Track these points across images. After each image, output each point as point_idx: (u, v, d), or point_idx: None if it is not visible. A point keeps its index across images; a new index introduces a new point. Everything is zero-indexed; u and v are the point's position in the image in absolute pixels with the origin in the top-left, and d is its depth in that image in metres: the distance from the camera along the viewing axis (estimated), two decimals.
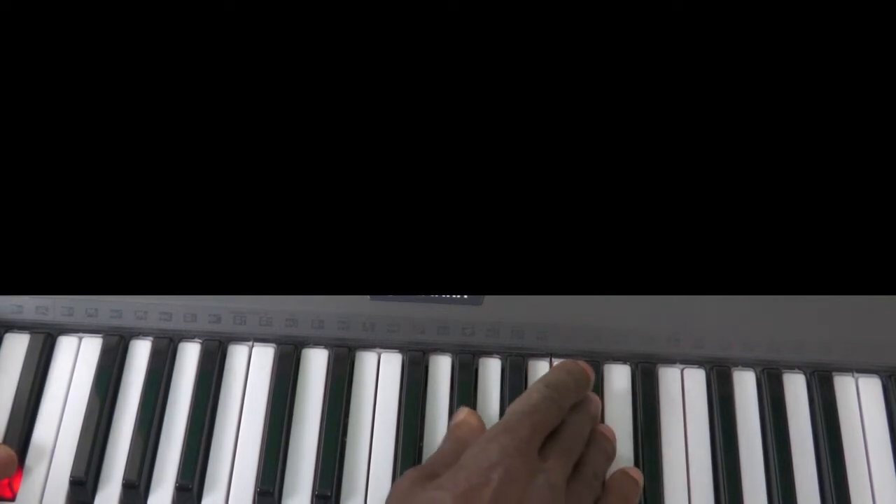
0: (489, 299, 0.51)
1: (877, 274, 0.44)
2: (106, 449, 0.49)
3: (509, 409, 0.45)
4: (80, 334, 0.52)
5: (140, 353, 0.52)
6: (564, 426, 0.46)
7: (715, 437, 0.49)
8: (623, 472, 0.47)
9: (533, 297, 0.51)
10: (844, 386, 0.51)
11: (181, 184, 0.44)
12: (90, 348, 0.52)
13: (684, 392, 0.51)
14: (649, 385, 0.51)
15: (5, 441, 0.48)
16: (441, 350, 0.52)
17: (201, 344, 0.52)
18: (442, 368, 0.51)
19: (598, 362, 0.51)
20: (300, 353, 0.52)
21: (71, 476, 0.47)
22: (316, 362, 0.51)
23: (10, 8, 0.43)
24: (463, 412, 0.48)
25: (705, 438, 0.50)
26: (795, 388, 0.51)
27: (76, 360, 0.51)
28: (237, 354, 0.52)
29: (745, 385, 0.51)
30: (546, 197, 0.44)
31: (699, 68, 0.44)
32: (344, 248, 0.44)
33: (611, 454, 0.47)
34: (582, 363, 0.49)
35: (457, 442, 0.46)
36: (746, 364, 0.52)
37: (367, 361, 0.52)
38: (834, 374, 0.51)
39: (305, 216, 0.44)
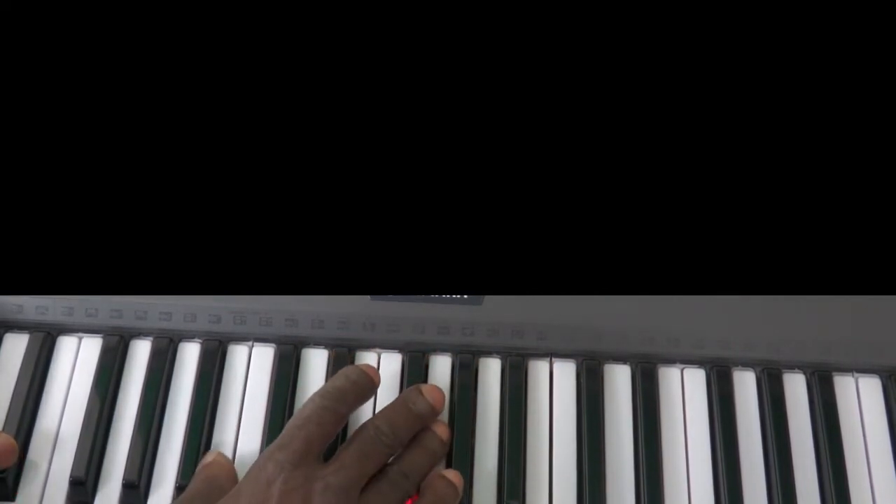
0: (489, 299, 0.51)
1: (877, 274, 0.44)
2: (106, 449, 0.49)
3: (286, 426, 0.45)
4: (80, 334, 0.52)
5: (140, 353, 0.52)
6: (358, 431, 0.45)
7: (715, 437, 0.49)
8: (440, 476, 0.46)
9: (533, 297, 0.51)
10: (844, 386, 0.51)
11: (181, 184, 0.44)
12: (90, 348, 0.52)
13: (684, 392, 0.51)
14: (649, 385, 0.51)
15: (3, 431, 0.48)
16: (441, 350, 0.52)
17: (201, 344, 0.52)
18: (442, 368, 0.51)
19: (598, 362, 0.51)
20: (300, 353, 0.52)
21: (71, 476, 0.47)
22: (316, 362, 0.51)
23: (11, 8, 0.43)
24: (212, 454, 0.48)
25: (705, 438, 0.50)
26: (795, 388, 0.51)
27: (76, 360, 0.51)
28: (237, 354, 0.52)
29: (745, 385, 0.51)
30: (546, 197, 0.44)
31: (699, 68, 0.44)
32: (344, 248, 0.44)
33: (435, 452, 0.47)
34: (365, 367, 0.48)
35: (206, 480, 0.45)
36: (746, 364, 0.52)
37: (367, 361, 0.51)
38: (834, 374, 0.51)
39: (305, 216, 0.44)
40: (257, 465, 0.43)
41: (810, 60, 0.44)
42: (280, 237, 0.44)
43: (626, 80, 0.44)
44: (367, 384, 0.47)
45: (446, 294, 0.51)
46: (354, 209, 0.44)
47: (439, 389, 0.49)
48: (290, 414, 0.50)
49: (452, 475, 0.47)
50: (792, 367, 0.52)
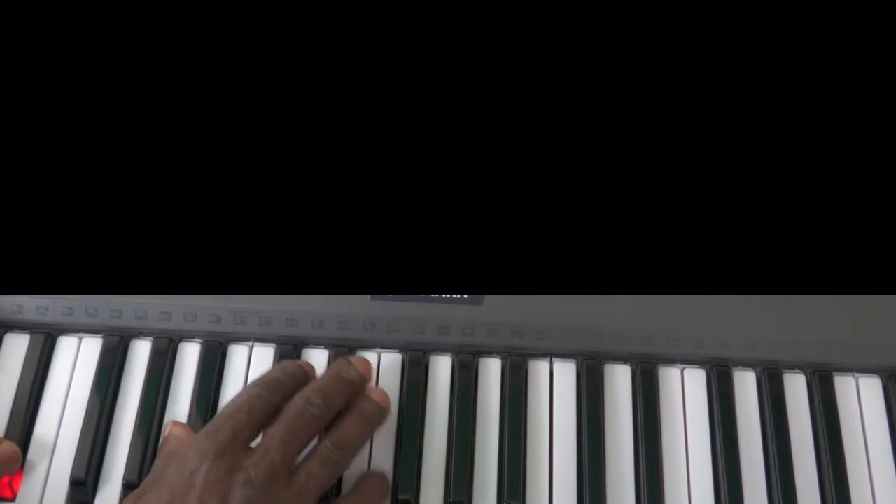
0: (489, 299, 0.51)
1: (877, 274, 0.44)
2: (106, 449, 0.49)
3: (217, 414, 0.44)
4: (80, 334, 0.52)
5: (140, 353, 0.52)
6: (287, 406, 0.45)
7: (715, 437, 0.49)
8: (368, 398, 0.47)
9: (533, 297, 0.51)
10: (844, 386, 0.51)
11: (181, 184, 0.44)
12: (90, 348, 0.52)
13: (684, 392, 0.51)
14: (649, 385, 0.51)
15: (6, 439, 0.48)
16: (441, 350, 0.52)
17: (201, 344, 0.52)
18: (442, 368, 0.51)
19: (598, 362, 0.51)
20: (300, 353, 0.52)
21: (71, 476, 0.48)
22: (316, 362, 0.51)
23: (11, 8, 0.43)
24: (170, 426, 0.47)
25: (705, 438, 0.50)
26: (795, 388, 0.51)
27: (76, 360, 0.51)
28: (237, 354, 0.52)
29: (745, 385, 0.51)
30: (546, 197, 0.44)
31: (700, 68, 0.44)
32: (344, 248, 0.44)
33: (372, 418, 0.47)
34: (302, 363, 0.48)
35: (167, 456, 0.45)
36: (746, 364, 0.52)
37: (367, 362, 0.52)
38: (834, 374, 0.51)
39: (305, 216, 0.44)
40: (183, 453, 0.42)
41: (810, 60, 0.44)
42: (280, 237, 0.44)
43: (625, 80, 0.44)
44: (302, 377, 0.47)
45: (446, 294, 0.51)
46: (354, 209, 0.44)
47: (367, 361, 0.49)
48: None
49: (377, 395, 0.47)
50: (792, 367, 0.52)
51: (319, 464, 0.44)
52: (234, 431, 0.43)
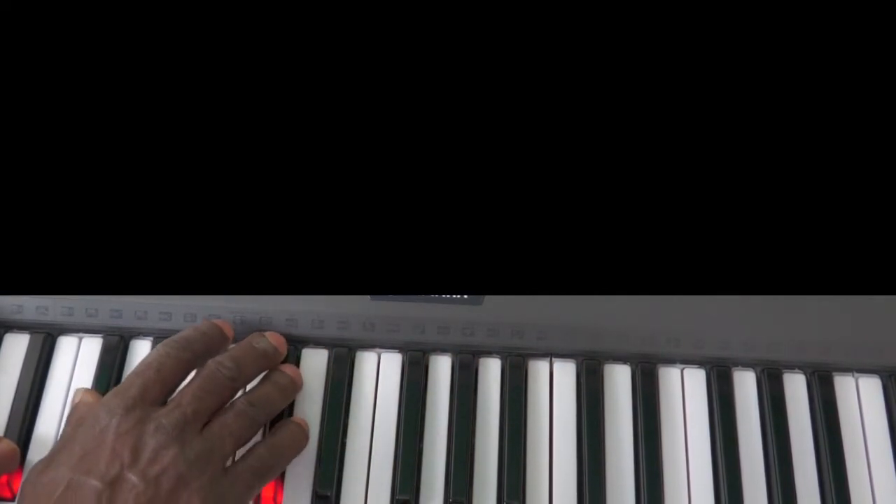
0: (489, 299, 0.51)
1: (877, 274, 0.44)
2: None
3: (128, 373, 0.45)
4: (80, 334, 0.52)
5: (140, 353, 0.52)
6: (200, 369, 0.46)
7: (715, 437, 0.49)
8: (292, 420, 0.48)
9: (533, 297, 0.51)
10: (844, 386, 0.51)
11: (181, 184, 0.44)
12: (90, 348, 0.52)
13: (684, 392, 0.51)
14: (649, 385, 0.51)
15: (5, 437, 0.48)
16: (441, 350, 0.52)
17: None
18: (442, 368, 0.51)
19: (598, 362, 0.51)
20: (301, 353, 0.52)
21: None
22: (316, 362, 0.51)
23: (11, 8, 0.43)
24: (79, 393, 0.47)
25: (705, 438, 0.50)
26: (795, 388, 0.51)
27: (76, 360, 0.51)
28: None
29: (745, 385, 0.51)
30: (546, 197, 0.44)
31: (699, 68, 0.44)
32: (344, 248, 0.44)
33: (285, 388, 0.48)
34: (219, 322, 0.49)
35: (75, 423, 0.44)
36: (746, 364, 0.52)
37: (367, 361, 0.52)
38: (834, 374, 0.51)
39: (305, 216, 0.44)
40: (92, 413, 0.43)
41: (810, 60, 0.44)
42: (280, 237, 0.44)
43: (625, 80, 0.44)
44: (217, 336, 0.47)
45: (446, 294, 0.51)
46: (354, 209, 0.44)
47: (281, 337, 0.50)
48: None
49: (301, 421, 0.48)
50: (792, 367, 0.52)
51: (234, 416, 0.44)
52: (142, 388, 0.43)
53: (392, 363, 0.51)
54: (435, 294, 0.51)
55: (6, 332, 0.52)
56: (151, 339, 0.52)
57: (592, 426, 0.49)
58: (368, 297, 0.52)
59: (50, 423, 0.49)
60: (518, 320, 0.51)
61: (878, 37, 0.43)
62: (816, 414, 0.50)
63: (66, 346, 0.52)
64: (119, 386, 0.44)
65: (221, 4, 0.43)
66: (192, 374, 0.46)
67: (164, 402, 0.44)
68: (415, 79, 0.44)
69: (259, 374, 0.48)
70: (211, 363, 0.45)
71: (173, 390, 0.45)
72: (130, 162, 0.44)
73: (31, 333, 0.52)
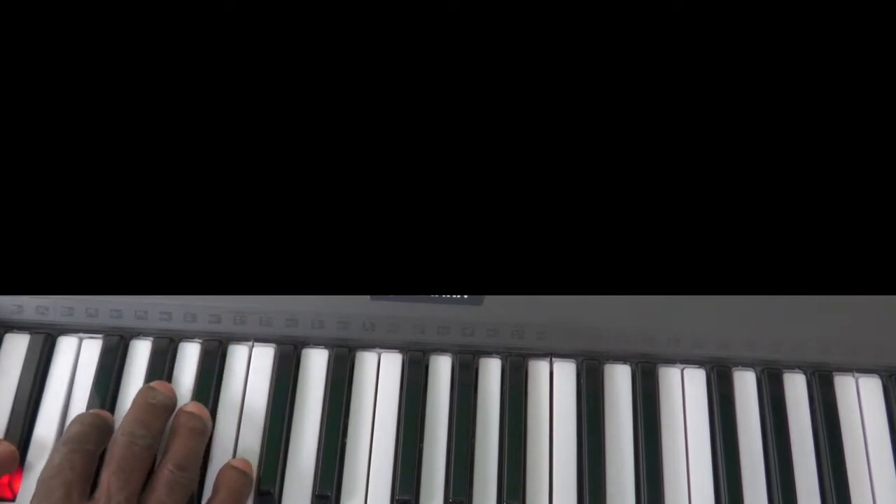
0: (489, 299, 0.51)
1: (877, 274, 0.44)
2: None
3: (38, 480, 0.44)
4: (80, 334, 0.52)
5: (140, 353, 0.52)
6: (111, 446, 0.45)
7: (715, 437, 0.49)
8: (230, 466, 0.46)
9: (533, 297, 0.51)
10: (844, 386, 0.51)
11: (181, 184, 0.44)
12: (90, 348, 0.52)
13: (684, 392, 0.51)
14: (649, 385, 0.51)
15: (4, 439, 0.48)
16: (441, 350, 0.52)
17: (201, 344, 0.52)
18: (442, 368, 0.51)
19: (598, 362, 0.51)
20: (300, 353, 0.52)
21: None
22: (316, 362, 0.51)
23: (11, 8, 0.43)
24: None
25: (705, 438, 0.50)
26: (795, 387, 0.51)
27: (76, 360, 0.51)
28: (237, 354, 0.52)
29: (745, 385, 0.51)
30: (546, 197, 0.44)
31: (698, 68, 0.44)
32: (344, 248, 0.44)
33: (200, 430, 0.46)
34: (95, 412, 0.47)
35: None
36: (746, 364, 0.52)
37: (367, 361, 0.52)
38: (834, 374, 0.51)
39: (305, 216, 0.44)
40: None
41: (810, 60, 0.44)
42: (280, 237, 0.44)
43: (624, 80, 0.44)
44: (103, 424, 0.46)
45: (446, 294, 0.51)
46: (354, 209, 0.44)
47: (168, 384, 0.49)
48: (291, 414, 0.50)
49: (241, 463, 0.47)
50: (792, 367, 0.52)
51: (167, 490, 0.43)
52: (65, 487, 0.42)
53: (392, 363, 0.51)
54: (435, 294, 0.51)
55: (6, 332, 0.52)
56: (151, 339, 0.52)
57: (592, 426, 0.49)
58: (368, 297, 0.52)
59: (49, 423, 0.49)
60: (518, 320, 0.51)
61: (877, 37, 0.43)
62: (816, 414, 0.50)
63: (66, 347, 0.52)
64: (38, 492, 0.43)
65: (221, 4, 0.43)
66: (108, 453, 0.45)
67: (90, 496, 0.43)
68: (414, 79, 0.44)
69: (165, 426, 0.47)
70: (121, 438, 0.44)
71: (90, 483, 0.44)
72: (130, 162, 0.44)
73: (31, 333, 0.52)
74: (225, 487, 0.46)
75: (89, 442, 0.45)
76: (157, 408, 0.47)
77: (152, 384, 0.49)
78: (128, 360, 0.52)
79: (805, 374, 0.52)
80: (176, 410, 0.48)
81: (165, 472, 0.44)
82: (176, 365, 0.51)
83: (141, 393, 0.48)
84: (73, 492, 0.42)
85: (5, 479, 0.47)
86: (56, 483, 0.43)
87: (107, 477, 0.43)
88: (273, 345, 0.52)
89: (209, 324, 0.52)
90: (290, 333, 0.52)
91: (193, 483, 0.45)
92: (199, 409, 0.48)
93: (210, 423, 0.48)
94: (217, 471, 0.47)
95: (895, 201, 0.44)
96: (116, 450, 0.44)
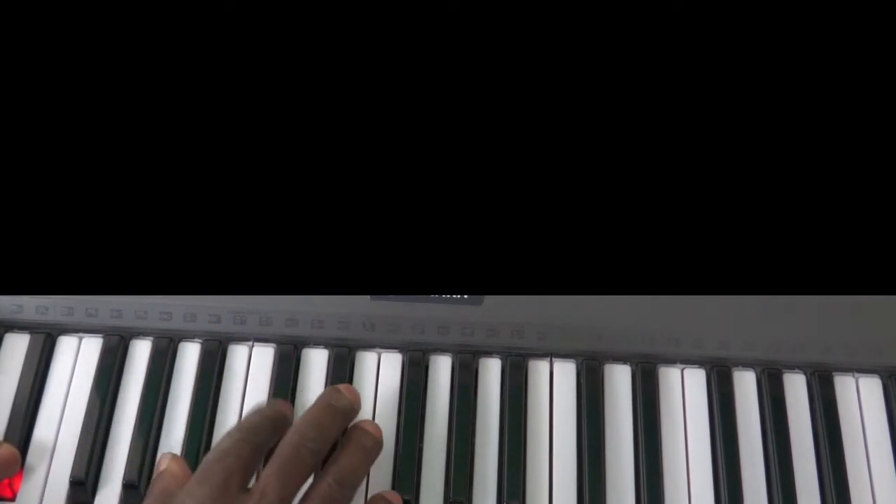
0: (489, 299, 0.51)
1: (877, 274, 0.44)
2: (106, 449, 0.49)
3: (203, 460, 0.43)
4: (80, 334, 0.52)
5: (140, 353, 0.52)
6: (282, 444, 0.43)
7: (715, 437, 0.49)
8: (381, 497, 0.45)
9: (533, 297, 0.51)
10: (844, 386, 0.51)
11: (181, 184, 0.44)
12: (90, 348, 0.52)
13: (684, 392, 0.51)
14: (649, 385, 0.51)
15: (5, 441, 0.48)
16: (441, 350, 0.52)
17: (201, 344, 0.52)
18: (442, 368, 0.51)
19: (598, 362, 0.51)
20: (300, 353, 0.52)
21: (71, 476, 0.47)
22: (316, 362, 0.51)
23: (11, 8, 0.43)
24: (165, 460, 0.45)
25: (705, 438, 0.50)
26: (795, 388, 0.51)
27: (76, 360, 0.51)
28: (237, 354, 0.52)
29: (745, 385, 0.51)
30: (546, 197, 0.44)
31: (698, 68, 0.44)
32: (344, 248, 0.44)
33: (370, 450, 0.45)
34: (277, 404, 0.46)
35: (160, 495, 0.43)
36: (746, 364, 0.52)
37: (367, 361, 0.52)
38: (834, 374, 0.51)
39: (305, 216, 0.44)
40: (179, 502, 0.41)
41: (810, 60, 0.44)
42: (280, 237, 0.44)
43: (624, 80, 0.44)
44: (281, 419, 0.45)
45: (446, 294, 0.51)
46: (354, 209, 0.44)
47: (355, 389, 0.48)
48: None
49: (392, 496, 0.46)
50: (792, 367, 0.52)
51: (319, 501, 0.42)
52: (226, 475, 0.41)
53: (392, 363, 0.51)
54: (435, 294, 0.51)
55: (6, 332, 0.52)
56: (151, 339, 0.52)
57: (592, 426, 0.49)
58: (368, 297, 0.52)
59: (50, 423, 0.49)
60: (518, 320, 0.51)
61: (877, 37, 0.43)
62: (816, 414, 0.50)
63: (66, 346, 0.52)
64: (200, 472, 0.42)
65: (221, 4, 0.43)
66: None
67: (246, 489, 0.42)
68: (414, 79, 0.44)
69: (339, 434, 0.45)
70: (294, 437, 0.43)
71: (252, 475, 0.43)
72: (130, 162, 0.44)
73: (31, 333, 0.52)
74: (353, 442, 0.45)
75: (261, 435, 0.43)
76: (338, 412, 0.45)
77: (339, 386, 0.47)
78: (128, 360, 0.52)
79: (805, 374, 0.52)
80: (352, 423, 0.46)
81: (324, 486, 0.42)
82: (176, 365, 0.51)
83: (326, 393, 0.46)
84: (232, 481, 0.41)
85: (6, 479, 0.47)
86: (218, 468, 0.41)
87: (267, 475, 0.42)
88: (273, 345, 0.52)
89: (209, 324, 0.52)
90: (290, 333, 0.52)
91: (348, 501, 0.43)
92: (375, 429, 0.46)
93: (381, 447, 0.46)
94: None
95: (895, 201, 0.44)
96: (284, 449, 0.43)
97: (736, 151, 0.44)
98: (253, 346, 0.52)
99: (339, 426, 0.45)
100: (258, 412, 0.45)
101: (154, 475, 0.45)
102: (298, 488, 0.42)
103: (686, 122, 0.44)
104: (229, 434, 0.43)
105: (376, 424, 0.47)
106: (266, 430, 0.44)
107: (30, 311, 0.52)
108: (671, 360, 0.52)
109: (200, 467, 0.42)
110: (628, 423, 0.50)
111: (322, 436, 0.44)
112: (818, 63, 0.44)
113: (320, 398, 0.46)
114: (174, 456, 0.45)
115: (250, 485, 0.42)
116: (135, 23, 0.43)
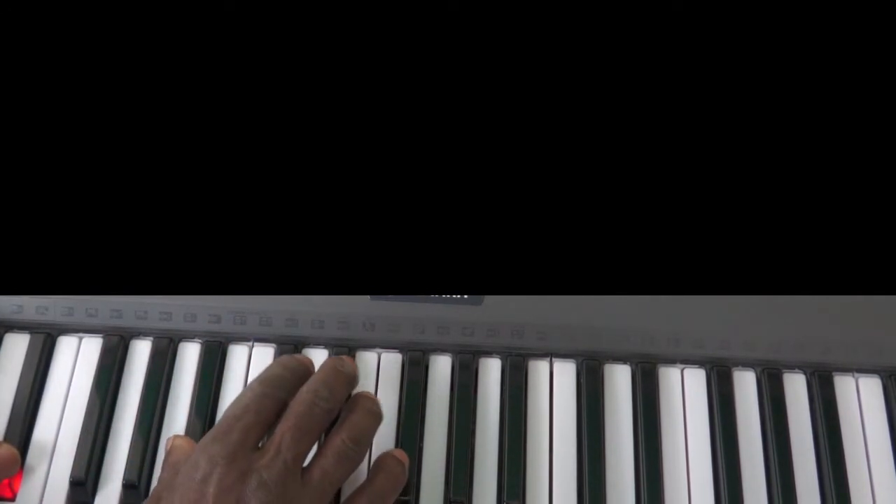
0: (489, 299, 0.52)
1: (877, 274, 0.44)
2: (106, 449, 0.49)
3: (223, 414, 0.43)
4: (80, 334, 0.52)
5: (140, 353, 0.52)
6: (295, 401, 0.43)
7: (715, 437, 0.49)
8: (389, 455, 0.46)
9: (533, 297, 0.51)
10: (844, 386, 0.51)
11: (181, 184, 0.44)
12: (90, 348, 0.52)
13: (684, 392, 0.51)
14: (649, 385, 0.51)
15: (5, 441, 0.48)
16: (441, 350, 0.52)
17: (201, 344, 0.52)
18: (442, 368, 0.51)
19: (598, 362, 0.51)
20: (300, 353, 0.52)
21: (71, 476, 0.47)
22: (316, 362, 0.51)
23: (11, 8, 0.43)
24: (171, 439, 0.46)
25: (705, 438, 0.50)
26: (795, 388, 0.51)
27: (76, 360, 0.51)
28: (237, 354, 0.52)
29: (745, 385, 0.51)
30: (546, 197, 0.44)
31: (698, 68, 0.44)
32: (344, 248, 0.44)
33: (377, 414, 0.46)
34: (299, 356, 0.47)
35: (171, 467, 0.43)
36: (746, 364, 0.52)
37: (367, 361, 0.52)
38: (834, 374, 0.51)
39: (305, 216, 0.44)
40: (193, 459, 0.41)
41: (810, 60, 0.44)
42: (280, 237, 0.44)
43: (624, 80, 0.44)
44: (304, 372, 0.45)
45: (446, 294, 0.51)
46: (354, 209, 0.44)
47: (354, 361, 0.48)
48: None
49: (399, 454, 0.46)
50: (792, 367, 0.52)
51: (335, 460, 0.43)
52: (244, 432, 0.41)
53: (392, 363, 0.51)
54: (435, 294, 0.51)
55: (6, 332, 0.52)
56: (151, 338, 0.52)
57: (592, 426, 0.49)
58: (368, 297, 0.52)
59: (50, 423, 0.49)
60: (518, 320, 0.51)
61: (877, 36, 0.43)
62: (816, 414, 0.50)
63: (66, 347, 0.52)
64: (218, 429, 0.42)
65: (221, 4, 0.43)
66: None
67: (259, 445, 0.42)
68: (414, 79, 0.44)
69: (345, 397, 0.46)
70: (306, 394, 0.43)
71: (268, 430, 0.43)
72: (130, 162, 0.44)
73: (31, 333, 0.52)
74: (384, 472, 0.45)
75: (283, 389, 0.44)
76: (344, 375, 0.45)
77: (341, 356, 0.48)
78: (128, 360, 0.52)
79: (805, 374, 0.52)
80: (353, 394, 0.47)
81: (337, 442, 0.43)
82: (176, 365, 0.51)
83: (330, 360, 0.47)
84: (250, 437, 0.41)
85: (6, 479, 0.48)
86: (237, 425, 0.41)
87: (282, 431, 0.42)
88: (273, 345, 0.52)
89: (209, 324, 0.52)
90: (290, 333, 0.52)
91: (361, 460, 0.44)
92: (376, 399, 0.47)
93: (383, 418, 0.47)
94: None
95: (895, 201, 0.44)
96: (298, 406, 0.43)
97: (736, 151, 0.44)
98: (253, 346, 0.52)
99: (346, 390, 0.46)
100: (281, 364, 0.45)
101: (165, 456, 0.46)
102: (312, 445, 0.43)
103: (686, 122, 0.44)
104: (251, 387, 0.44)
105: (373, 395, 0.47)
106: (288, 383, 0.44)
107: (30, 311, 0.52)
108: (671, 360, 0.52)
109: (220, 422, 0.42)
110: (628, 423, 0.50)
111: (333, 396, 0.44)
112: (817, 63, 0.44)
113: (326, 363, 0.46)
114: (179, 434, 0.46)
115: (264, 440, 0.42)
116: (135, 23, 0.43)
